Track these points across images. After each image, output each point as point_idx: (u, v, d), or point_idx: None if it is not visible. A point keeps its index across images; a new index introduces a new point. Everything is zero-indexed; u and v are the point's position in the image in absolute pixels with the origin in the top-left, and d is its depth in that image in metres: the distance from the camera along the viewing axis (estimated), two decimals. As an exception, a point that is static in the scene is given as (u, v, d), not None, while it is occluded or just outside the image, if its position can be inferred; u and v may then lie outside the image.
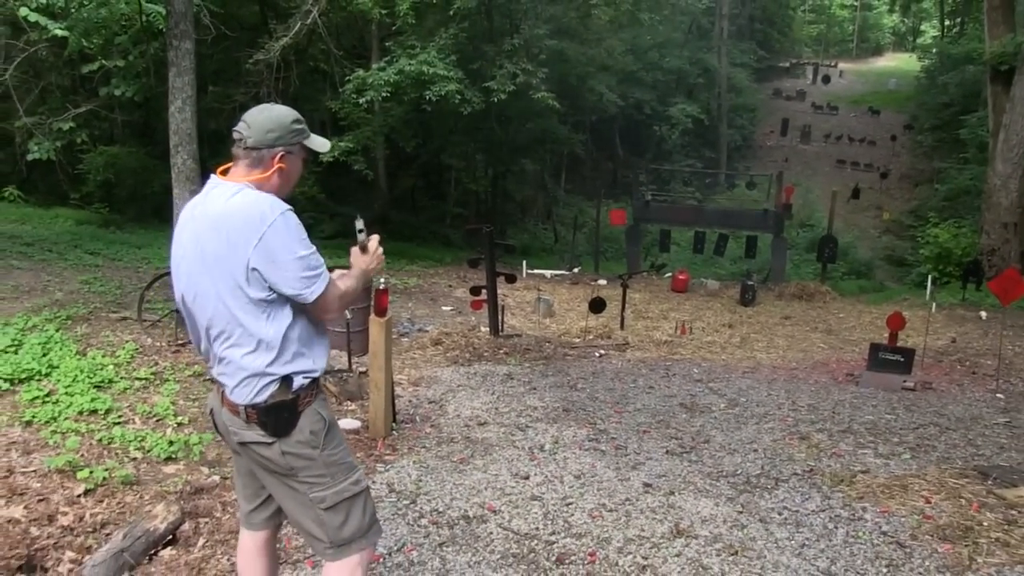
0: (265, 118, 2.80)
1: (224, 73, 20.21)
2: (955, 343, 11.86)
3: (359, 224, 2.94)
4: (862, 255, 28.46)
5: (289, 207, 2.69)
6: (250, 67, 18.00)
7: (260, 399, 2.72)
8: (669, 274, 19.89)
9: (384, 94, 17.14)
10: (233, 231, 2.62)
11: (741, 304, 16.17)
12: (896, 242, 30.68)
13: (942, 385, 8.99)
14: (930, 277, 12.84)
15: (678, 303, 16.17)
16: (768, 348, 11.83)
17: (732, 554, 4.45)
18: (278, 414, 2.74)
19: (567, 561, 4.33)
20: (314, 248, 2.70)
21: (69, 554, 4.07)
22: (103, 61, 15.05)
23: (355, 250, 2.93)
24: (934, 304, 14.22)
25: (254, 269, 2.61)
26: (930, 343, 11.18)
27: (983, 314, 14.05)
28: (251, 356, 2.70)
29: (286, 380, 2.73)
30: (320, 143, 2.93)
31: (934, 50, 44.34)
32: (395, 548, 4.39)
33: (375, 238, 2.93)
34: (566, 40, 23.48)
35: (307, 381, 2.77)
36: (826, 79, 57.25)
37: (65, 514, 4.40)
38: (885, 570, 4.30)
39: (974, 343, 11.79)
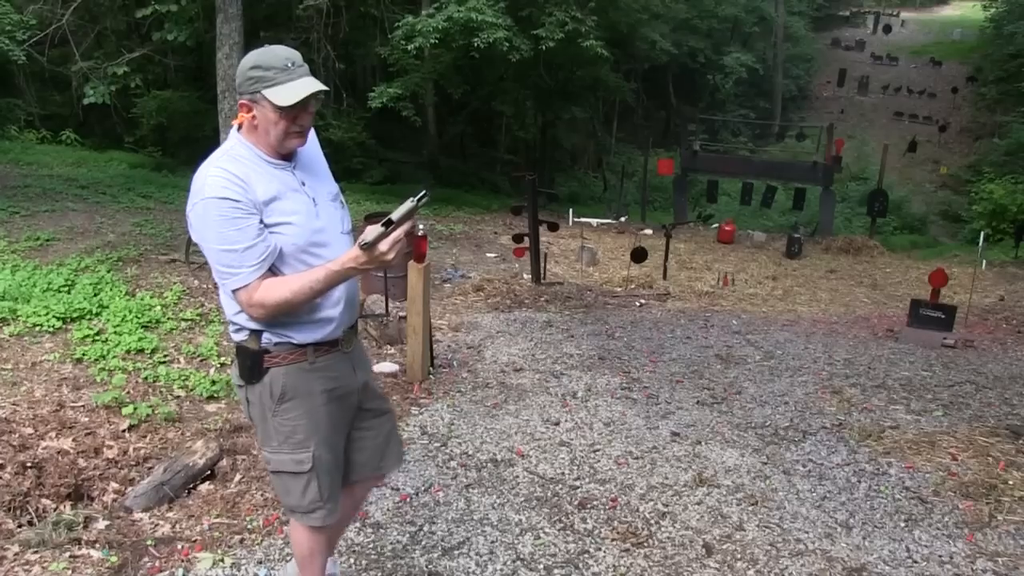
0: (241, 63, 2.58)
1: (275, 19, 20.27)
2: (1003, 301, 11.71)
3: (402, 210, 2.39)
4: (916, 210, 27.96)
5: (220, 196, 2.44)
6: (300, 13, 18.06)
7: (235, 339, 2.71)
8: (716, 225, 19.77)
9: (433, 41, 17.08)
10: None
11: (787, 256, 16.07)
12: (952, 197, 30.06)
13: (984, 343, 8.90)
14: (982, 234, 12.61)
15: (723, 254, 16.10)
16: (810, 301, 11.77)
17: (752, 504, 4.54)
18: (242, 359, 2.68)
19: (589, 506, 4.44)
20: (239, 245, 2.46)
21: (113, 485, 4.28)
22: (156, 6, 15.18)
23: (369, 230, 2.38)
24: (984, 261, 14.01)
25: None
26: (978, 301, 11.06)
27: (1035, 272, 13.84)
28: (227, 300, 2.66)
29: (255, 332, 2.64)
30: (283, 94, 2.46)
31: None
32: (423, 488, 4.54)
33: (391, 240, 2.38)
34: (617, -13, 23.11)
35: (280, 341, 2.64)
36: (887, 28, 55.71)
37: (110, 447, 4.61)
38: (903, 524, 4.35)
39: (1023, 301, 11.62)
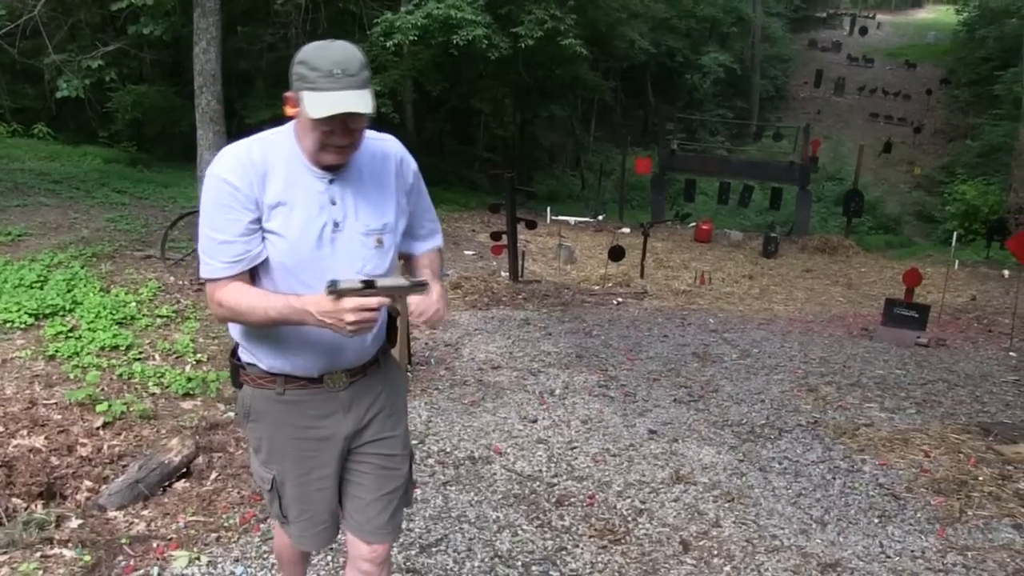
0: None
1: (253, 13, 20.14)
2: (975, 300, 11.84)
3: (391, 281, 2.16)
4: (891, 210, 28.20)
5: (223, 177, 2.22)
6: (279, 8, 17.97)
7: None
8: (693, 224, 19.84)
9: (412, 38, 17.06)
10: None
11: (763, 256, 16.17)
12: (926, 198, 30.37)
13: (956, 342, 9.00)
14: (955, 234, 12.75)
15: (700, 253, 16.18)
16: (786, 300, 11.85)
17: (728, 500, 4.56)
18: (230, 365, 2.56)
19: (566, 503, 4.45)
20: (219, 235, 2.24)
21: (87, 483, 4.23)
22: (131, -1, 15.04)
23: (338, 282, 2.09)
24: (956, 261, 14.14)
25: None
26: (950, 300, 11.17)
27: (1006, 272, 13.97)
28: None
29: (237, 343, 2.50)
30: (316, 104, 2.12)
31: (975, 3, 43.32)
32: (400, 485, 4.53)
33: (359, 304, 2.07)
34: (597, -15, 23.20)
35: (250, 361, 2.45)
36: (863, 31, 56.16)
37: (84, 445, 4.57)
38: (877, 520, 4.39)
39: (994, 301, 11.75)
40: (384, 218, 2.39)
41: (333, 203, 2.30)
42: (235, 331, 2.45)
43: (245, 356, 2.46)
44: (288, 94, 2.23)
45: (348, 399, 2.47)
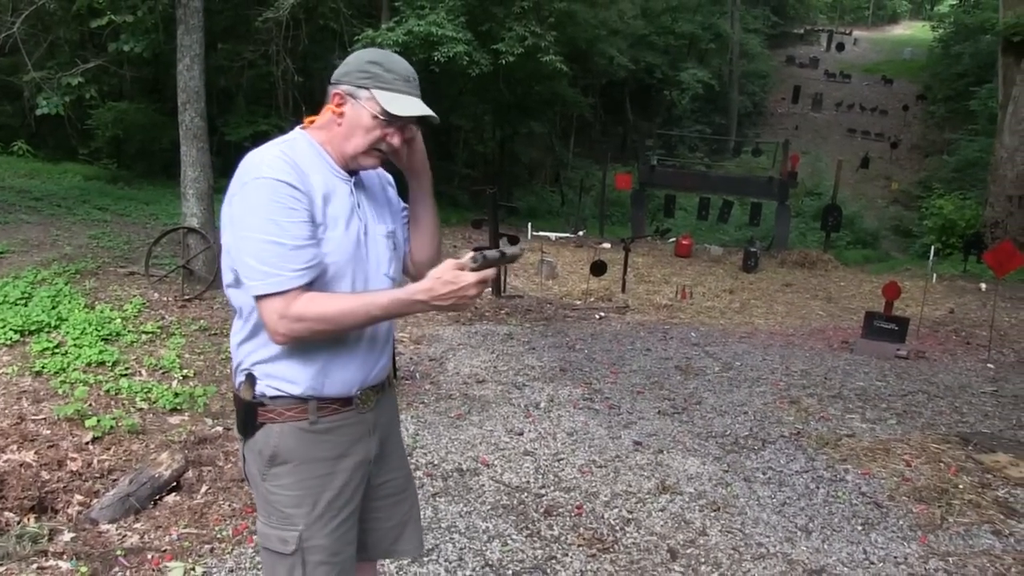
0: (353, 54, 2.27)
1: (234, 30, 20.18)
2: (953, 314, 11.96)
3: (512, 249, 2.19)
4: (868, 225, 28.39)
5: (279, 178, 2.05)
6: (259, 25, 18.01)
7: (235, 383, 2.29)
8: (673, 239, 19.95)
9: (393, 54, 17.15)
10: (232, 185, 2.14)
11: (743, 270, 16.27)
12: (904, 212, 30.59)
13: (935, 354, 9.11)
14: (932, 248, 12.92)
15: (681, 268, 16.26)
16: (767, 314, 11.94)
17: (714, 510, 4.62)
18: (236, 409, 2.28)
19: (555, 513, 4.50)
20: (289, 240, 2.05)
21: (78, 497, 4.26)
22: (112, 16, 15.01)
23: (449, 263, 2.10)
24: (934, 275, 14.30)
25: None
26: (928, 313, 11.28)
27: (983, 286, 14.15)
28: (236, 333, 2.26)
29: (250, 379, 2.21)
30: (397, 103, 2.16)
31: (950, 19, 43.85)
32: (390, 497, 4.56)
33: (483, 277, 2.10)
34: (576, 3, 23.35)
35: (277, 394, 2.19)
36: (840, 47, 56.76)
37: (74, 460, 4.59)
38: (860, 528, 4.47)
39: (971, 314, 11.89)
40: (391, 223, 2.40)
41: (359, 205, 2.27)
42: (263, 354, 2.20)
43: (268, 389, 2.20)
44: (341, 90, 2.20)
45: (374, 419, 2.36)
